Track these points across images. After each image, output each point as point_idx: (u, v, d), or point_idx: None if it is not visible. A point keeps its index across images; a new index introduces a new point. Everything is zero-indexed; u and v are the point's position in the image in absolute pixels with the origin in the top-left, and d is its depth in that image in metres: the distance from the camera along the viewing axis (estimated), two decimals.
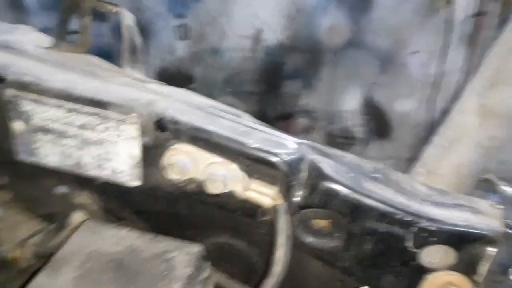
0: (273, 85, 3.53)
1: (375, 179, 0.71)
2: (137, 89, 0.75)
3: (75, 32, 0.87)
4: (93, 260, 0.66)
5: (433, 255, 0.67)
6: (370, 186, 0.69)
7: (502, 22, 3.03)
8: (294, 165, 0.67)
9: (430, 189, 0.74)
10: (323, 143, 0.75)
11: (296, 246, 0.72)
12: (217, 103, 0.79)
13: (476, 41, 3.13)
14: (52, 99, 0.70)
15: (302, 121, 3.59)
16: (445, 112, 3.38)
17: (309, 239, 0.71)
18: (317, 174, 0.67)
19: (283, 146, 0.69)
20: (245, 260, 0.83)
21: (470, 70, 3.20)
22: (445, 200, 0.71)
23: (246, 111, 0.79)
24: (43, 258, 0.78)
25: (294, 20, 3.30)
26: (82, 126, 0.70)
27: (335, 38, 3.31)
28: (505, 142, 1.30)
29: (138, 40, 0.82)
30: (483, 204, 0.71)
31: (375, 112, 3.49)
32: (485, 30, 3.08)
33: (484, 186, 0.74)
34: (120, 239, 0.70)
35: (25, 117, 0.72)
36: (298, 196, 0.68)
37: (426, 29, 3.20)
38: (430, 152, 1.33)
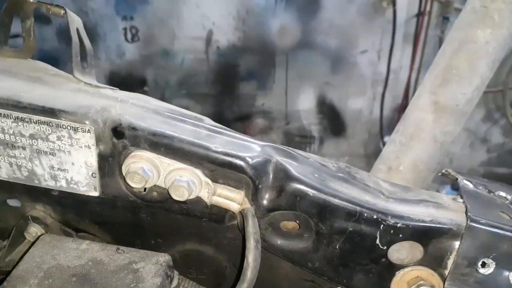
0: (228, 87, 3.52)
1: (340, 178, 0.71)
2: (89, 95, 0.71)
3: (17, 36, 0.82)
4: (54, 276, 0.61)
5: (401, 251, 0.67)
6: (336, 186, 0.69)
7: (442, 21, 3.18)
8: (260, 168, 0.65)
9: (394, 186, 0.75)
10: (281, 143, 0.75)
11: (266, 249, 0.70)
12: (176, 107, 0.76)
13: (419, 40, 3.26)
14: None
15: (259, 122, 3.60)
16: (395, 109, 3.52)
17: (279, 242, 0.70)
18: (284, 176, 0.66)
19: (247, 149, 0.67)
20: (214, 266, 0.81)
21: (414, 67, 3.34)
22: (408, 197, 0.72)
23: (202, 113, 0.77)
24: None
25: (244, 22, 3.31)
26: (32, 136, 0.65)
27: (286, 39, 3.35)
28: (457, 137, 1.35)
29: (88, 43, 0.77)
30: (446, 199, 0.72)
31: (329, 111, 3.56)
32: (427, 29, 3.22)
33: (442, 180, 0.76)
34: (81, 252, 0.66)
35: None
36: (265, 199, 0.66)
37: (373, 29, 3.30)
38: (389, 149, 1.36)
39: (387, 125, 3.55)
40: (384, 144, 3.57)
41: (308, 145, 3.68)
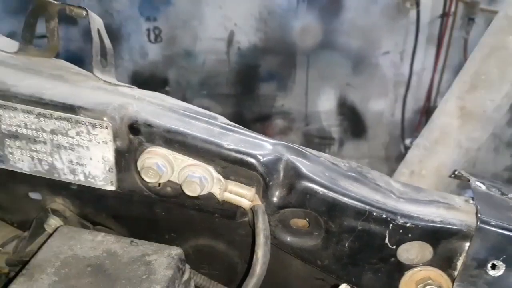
0: (248, 87, 3.54)
1: (350, 177, 0.72)
2: (108, 92, 0.73)
3: (44, 37, 0.85)
4: (70, 265, 0.64)
5: (410, 251, 0.68)
6: (346, 185, 0.69)
7: (467, 22, 3.13)
8: (270, 166, 0.67)
9: (405, 186, 0.75)
10: (301, 144, 0.76)
11: (276, 246, 0.72)
12: (191, 105, 0.78)
13: (443, 41, 3.21)
14: (20, 105, 0.67)
15: (279, 123, 3.61)
16: (417, 111, 3.47)
17: (288, 239, 0.71)
18: (294, 174, 0.67)
19: (259, 147, 0.69)
20: (225, 262, 0.82)
21: (438, 69, 3.29)
22: (419, 197, 0.72)
23: (223, 113, 0.79)
24: (18, 266, 0.76)
25: (266, 23, 3.32)
26: (53, 131, 0.68)
27: (308, 39, 3.35)
28: (483, 143, 1.34)
29: (108, 43, 0.80)
30: (457, 199, 0.72)
31: (349, 112, 3.54)
32: (451, 30, 3.17)
33: (465, 185, 0.75)
34: (97, 244, 0.68)
35: None
36: (275, 196, 0.67)
37: (396, 30, 3.27)
38: (413, 153, 1.36)
39: (408, 128, 3.51)
40: (405, 146, 3.53)
41: (328, 147, 3.66)
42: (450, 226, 0.65)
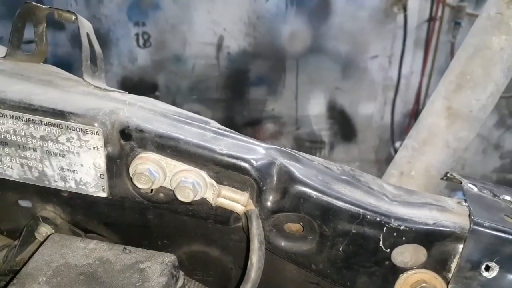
0: (238, 92, 3.54)
1: (343, 181, 0.72)
2: (98, 98, 0.73)
3: (32, 42, 0.84)
4: (62, 274, 0.63)
5: (404, 254, 0.68)
6: (340, 188, 0.69)
7: (454, 27, 3.17)
8: (264, 170, 0.66)
9: (398, 189, 0.75)
10: (291, 148, 0.75)
11: (270, 250, 0.71)
12: (183, 110, 0.77)
13: (430, 45, 3.25)
14: (9, 111, 0.66)
15: (269, 127, 3.62)
16: (405, 114, 3.50)
17: (283, 243, 0.71)
18: (288, 178, 0.67)
19: (252, 151, 0.68)
20: (219, 268, 0.82)
21: (426, 73, 3.32)
22: (412, 200, 0.72)
23: (213, 118, 0.78)
24: (8, 276, 0.75)
25: (255, 27, 3.33)
26: (43, 138, 0.67)
27: (297, 44, 3.36)
28: (470, 143, 1.35)
29: (98, 48, 0.79)
30: (450, 202, 0.72)
31: (339, 116, 3.56)
32: (438, 34, 3.21)
33: (455, 186, 0.76)
34: (89, 251, 0.67)
35: None
36: (269, 201, 0.67)
37: (384, 34, 3.30)
38: (401, 154, 1.36)
39: (398, 131, 3.53)
40: (395, 149, 3.55)
41: (319, 150, 3.67)
42: (444, 229, 0.65)
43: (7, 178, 0.71)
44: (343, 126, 3.59)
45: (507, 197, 0.73)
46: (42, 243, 0.70)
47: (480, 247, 0.63)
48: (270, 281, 0.77)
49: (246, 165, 0.66)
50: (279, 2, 3.24)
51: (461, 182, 0.75)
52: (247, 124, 3.60)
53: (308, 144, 3.66)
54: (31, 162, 0.69)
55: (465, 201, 0.71)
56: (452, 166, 1.32)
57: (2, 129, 0.67)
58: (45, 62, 0.87)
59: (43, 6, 0.79)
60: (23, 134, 0.67)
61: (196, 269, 0.82)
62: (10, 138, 0.68)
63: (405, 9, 3.19)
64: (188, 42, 3.38)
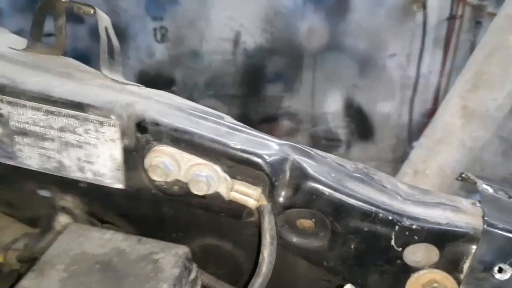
0: (255, 88, 3.54)
1: (357, 178, 0.72)
2: (115, 91, 0.74)
3: (51, 35, 0.85)
4: (79, 262, 0.65)
5: (416, 253, 0.67)
6: (352, 186, 0.69)
7: (474, 26, 3.11)
8: (277, 166, 0.67)
9: (412, 188, 0.75)
10: (307, 145, 0.76)
11: (282, 246, 0.72)
12: (198, 105, 0.78)
13: (450, 44, 3.20)
14: (29, 102, 0.68)
15: (285, 124, 3.61)
16: (423, 114, 3.46)
17: (295, 239, 0.71)
18: (300, 174, 0.67)
19: (265, 147, 0.69)
20: (232, 262, 0.82)
21: (445, 72, 3.28)
22: (426, 199, 0.72)
23: (229, 114, 0.79)
24: (28, 263, 0.77)
25: (272, 23, 3.32)
26: (61, 129, 0.69)
27: (314, 41, 3.35)
28: (486, 142, 1.33)
29: (115, 41, 0.80)
30: (464, 202, 0.72)
31: (356, 114, 3.54)
32: (458, 33, 3.16)
33: (472, 188, 0.75)
34: (105, 241, 0.69)
35: (2, 120, 0.70)
36: (282, 197, 0.67)
37: (402, 32, 3.26)
38: (416, 153, 1.35)
39: (415, 130, 3.49)
40: (412, 149, 3.51)
41: (335, 149, 3.65)
42: (457, 229, 0.65)
43: (27, 167, 0.73)
44: (360, 124, 3.57)
45: None
46: (60, 232, 0.72)
47: (493, 249, 0.63)
48: (281, 276, 0.77)
49: (259, 160, 0.66)
50: None
51: (476, 183, 0.74)
52: (263, 121, 3.60)
53: (325, 142, 3.64)
54: (50, 153, 0.71)
55: (479, 202, 0.70)
56: (467, 165, 1.30)
57: (22, 120, 0.69)
58: (64, 55, 0.89)
59: (63, 0, 0.80)
60: (42, 124, 0.69)
61: (209, 262, 0.83)
62: (29, 129, 0.70)
63: (424, 7, 3.15)
64: (205, 37, 3.39)
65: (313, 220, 0.69)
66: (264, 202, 0.68)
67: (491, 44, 1.31)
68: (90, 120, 0.67)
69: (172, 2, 3.32)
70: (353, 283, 0.71)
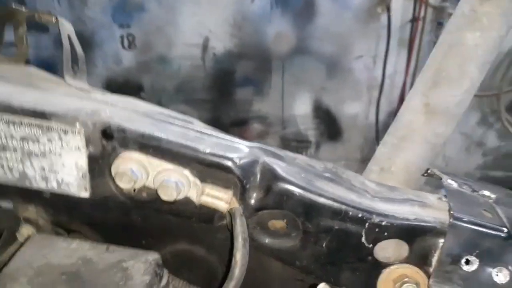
0: (225, 93, 3.54)
1: (326, 178, 0.72)
2: (79, 98, 0.72)
3: (14, 45, 0.83)
4: (44, 274, 0.62)
5: (386, 249, 0.69)
6: (322, 185, 0.70)
7: (436, 26, 3.21)
8: (247, 168, 0.67)
9: (380, 186, 0.76)
10: (278, 147, 0.76)
11: (255, 248, 0.71)
12: (166, 110, 0.77)
13: (414, 45, 3.28)
14: None
15: (256, 127, 3.62)
16: (390, 113, 3.53)
17: (267, 240, 0.71)
18: (271, 176, 0.67)
19: (235, 149, 0.69)
20: (205, 266, 0.82)
21: (409, 72, 3.36)
22: (394, 196, 0.73)
23: (199, 118, 0.78)
24: None
25: (241, 28, 3.33)
26: (24, 138, 0.67)
27: (282, 45, 3.38)
28: (448, 138, 1.36)
29: (79, 49, 0.79)
30: (430, 197, 0.73)
31: (325, 116, 3.58)
32: (421, 34, 3.24)
33: (438, 184, 0.77)
34: (71, 251, 0.67)
35: None
36: (253, 199, 0.67)
37: (368, 34, 3.32)
38: (381, 151, 1.37)
39: (382, 130, 3.56)
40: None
41: (305, 150, 3.69)
42: (424, 224, 0.66)
43: None
44: (329, 125, 3.62)
45: (486, 192, 0.74)
46: (23, 243, 0.69)
47: (459, 241, 0.65)
48: (255, 278, 0.77)
49: (229, 163, 0.66)
50: (264, 3, 3.25)
51: (441, 178, 0.76)
52: (233, 124, 3.60)
53: (295, 143, 3.68)
54: (12, 163, 0.69)
55: (445, 196, 0.72)
56: (431, 161, 1.33)
57: None
58: (28, 64, 0.86)
59: (23, 9, 0.78)
60: (2, 135, 0.67)
61: (182, 268, 0.82)
62: None
63: (388, 9, 3.23)
64: (173, 43, 3.37)
65: (285, 220, 0.69)
66: (235, 205, 0.68)
67: (449, 42, 1.34)
68: (53, 128, 0.65)
69: (139, 10, 3.29)
70: (326, 281, 0.72)
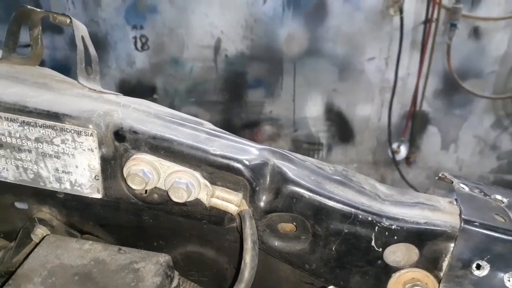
0: (236, 94, 3.55)
1: (336, 181, 0.72)
2: (93, 100, 0.73)
3: (28, 46, 0.85)
4: (57, 274, 0.64)
5: (396, 253, 0.68)
6: (332, 188, 0.70)
7: (449, 28, 3.18)
8: (257, 171, 0.67)
9: (390, 189, 0.76)
10: (289, 149, 0.76)
11: (264, 250, 0.72)
12: (177, 112, 0.78)
13: (426, 47, 3.25)
14: (4, 113, 0.67)
15: (267, 129, 3.63)
16: (403, 116, 3.51)
17: (276, 243, 0.71)
18: (280, 179, 0.68)
19: (245, 152, 0.69)
20: (215, 268, 0.82)
21: (422, 74, 3.33)
22: (404, 199, 0.73)
23: (211, 120, 0.79)
24: (4, 277, 0.75)
25: (253, 30, 3.34)
26: (38, 140, 0.68)
27: (294, 47, 3.37)
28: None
29: (93, 50, 0.80)
30: (441, 201, 0.73)
31: (337, 118, 3.57)
32: (434, 36, 3.22)
33: (451, 187, 0.76)
34: (84, 252, 0.68)
35: None
36: (262, 201, 0.68)
37: (380, 36, 3.31)
38: None
39: (395, 132, 3.54)
40: (392, 151, 3.56)
41: (317, 152, 3.68)
42: (435, 228, 0.66)
43: (2, 180, 0.72)
44: (341, 127, 3.60)
45: (498, 196, 0.73)
46: (37, 244, 0.70)
47: (470, 246, 0.64)
48: (264, 281, 0.78)
49: (239, 165, 0.66)
50: (276, 5, 3.25)
51: (453, 182, 0.75)
52: (245, 126, 3.61)
53: (306, 146, 3.67)
54: (26, 164, 0.70)
55: (456, 200, 0.72)
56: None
57: None
58: (43, 65, 0.88)
59: (38, 10, 0.80)
60: (18, 136, 0.68)
61: (192, 269, 0.83)
62: (5, 140, 0.69)
63: (401, 11, 3.20)
64: (186, 45, 3.38)
65: (294, 223, 0.70)
66: (245, 207, 0.68)
67: None
68: (67, 130, 0.67)
69: (152, 11, 3.31)
70: (335, 285, 0.72)
